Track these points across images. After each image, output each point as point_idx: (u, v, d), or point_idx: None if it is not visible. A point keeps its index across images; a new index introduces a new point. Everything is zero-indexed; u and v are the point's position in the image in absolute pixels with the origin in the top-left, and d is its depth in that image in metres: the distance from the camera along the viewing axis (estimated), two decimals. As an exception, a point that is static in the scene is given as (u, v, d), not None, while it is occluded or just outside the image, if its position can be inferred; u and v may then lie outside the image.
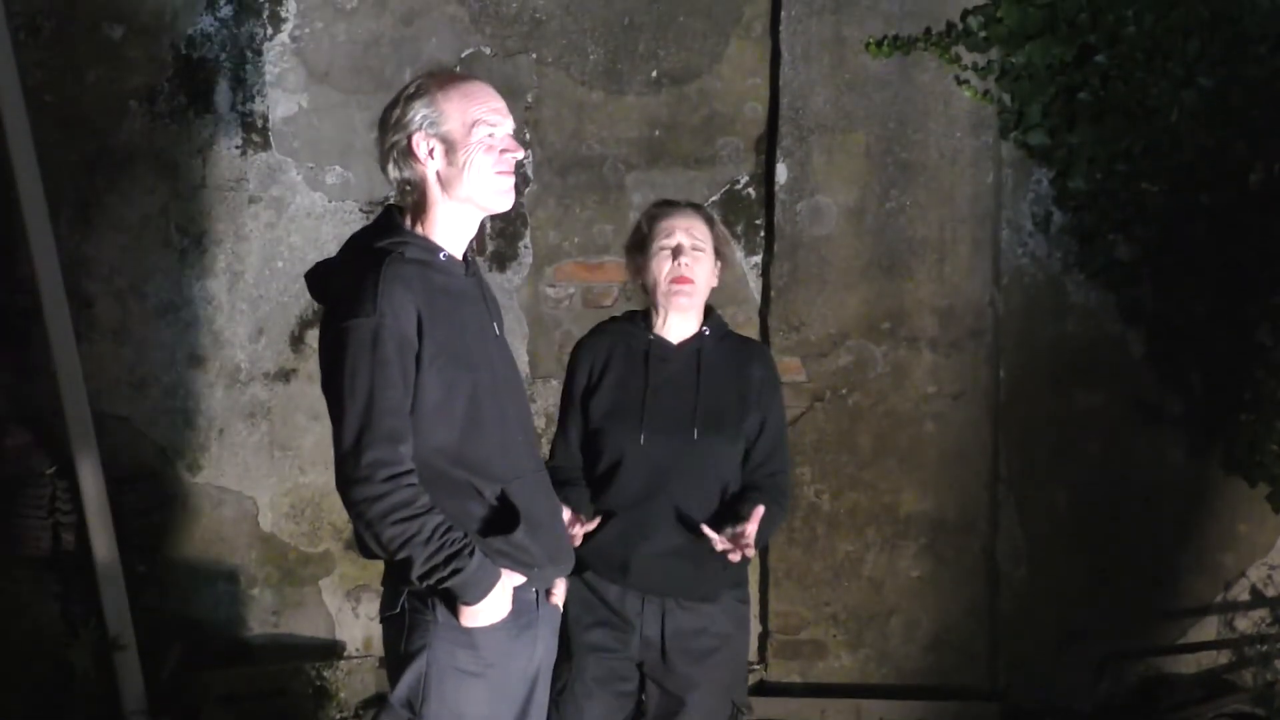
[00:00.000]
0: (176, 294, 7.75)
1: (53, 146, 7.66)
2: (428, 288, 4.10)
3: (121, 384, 7.76)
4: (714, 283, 5.19)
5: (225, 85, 7.73)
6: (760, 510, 4.92)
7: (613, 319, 5.34)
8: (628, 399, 5.08)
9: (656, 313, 5.17)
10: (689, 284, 5.08)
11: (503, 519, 4.15)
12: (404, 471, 4.02)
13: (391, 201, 4.31)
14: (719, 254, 5.18)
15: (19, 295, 7.66)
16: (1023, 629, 7.54)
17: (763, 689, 7.56)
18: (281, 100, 7.72)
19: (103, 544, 7.36)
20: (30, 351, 7.75)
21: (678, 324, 5.15)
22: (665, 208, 5.20)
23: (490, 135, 4.17)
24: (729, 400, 5.12)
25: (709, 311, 5.22)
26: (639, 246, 5.17)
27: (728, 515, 5.01)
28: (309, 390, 7.59)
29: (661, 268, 5.09)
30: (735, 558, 4.92)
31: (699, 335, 5.17)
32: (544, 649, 4.29)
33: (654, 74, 7.65)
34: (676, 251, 5.07)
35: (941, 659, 7.52)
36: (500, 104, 4.22)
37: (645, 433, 5.02)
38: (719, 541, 4.89)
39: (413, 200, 4.21)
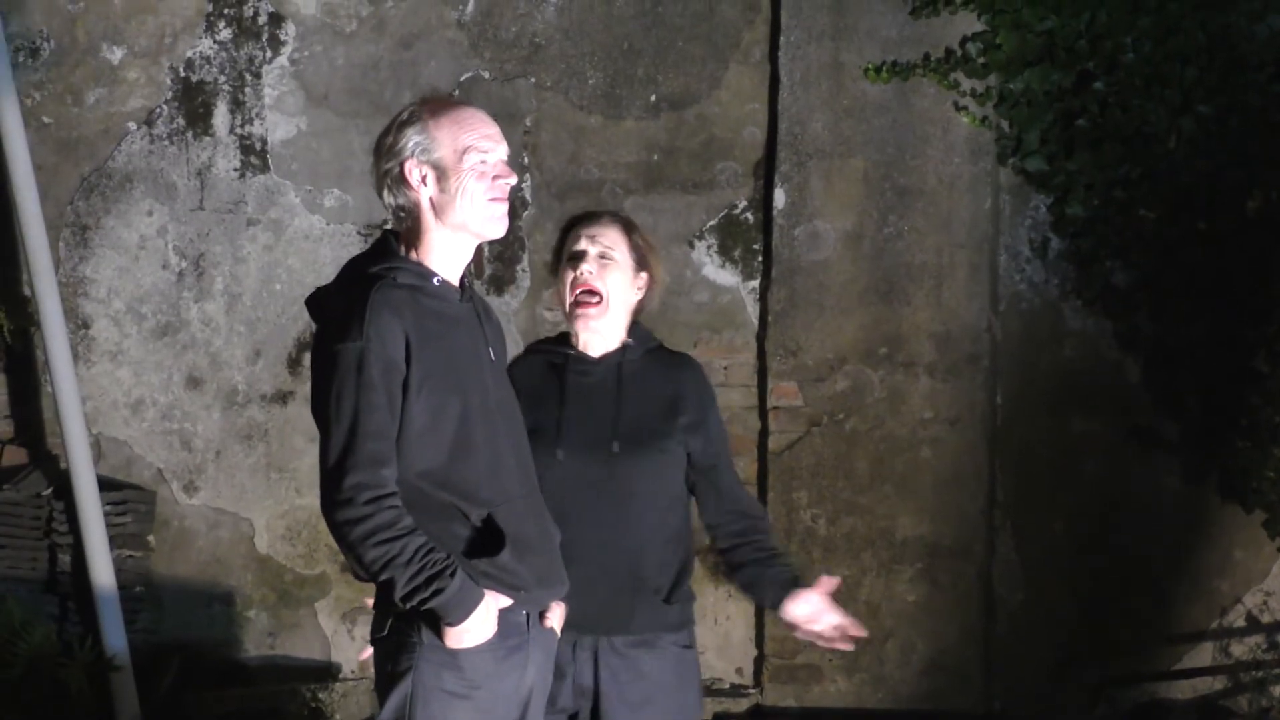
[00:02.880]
0: (174, 316, 7.75)
1: (52, 168, 7.68)
2: (418, 313, 4.11)
3: (119, 405, 7.76)
4: (635, 296, 4.73)
5: (224, 108, 7.74)
6: (832, 581, 4.70)
7: (538, 341, 4.97)
8: (544, 416, 4.65)
9: (575, 334, 4.74)
10: (594, 296, 4.65)
11: (488, 541, 4.15)
12: (386, 494, 4.03)
13: (389, 226, 4.32)
14: (643, 265, 4.72)
15: (17, 316, 7.68)
16: (1018, 654, 7.54)
17: (759, 713, 7.57)
18: (280, 123, 7.73)
19: (99, 565, 7.35)
20: (28, 372, 7.77)
21: (597, 341, 4.72)
22: (578, 219, 4.77)
23: (483, 162, 4.16)
24: (654, 411, 4.70)
25: (634, 324, 4.77)
26: (555, 265, 4.80)
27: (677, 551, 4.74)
28: (306, 412, 7.51)
29: (566, 278, 4.68)
30: (848, 645, 4.73)
31: (621, 348, 4.73)
32: (535, 672, 4.27)
33: (653, 98, 7.66)
34: (578, 257, 4.66)
35: (937, 683, 7.52)
36: (493, 130, 4.22)
37: (562, 449, 4.64)
38: (831, 640, 4.69)
39: (407, 226, 4.21)
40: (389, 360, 4.05)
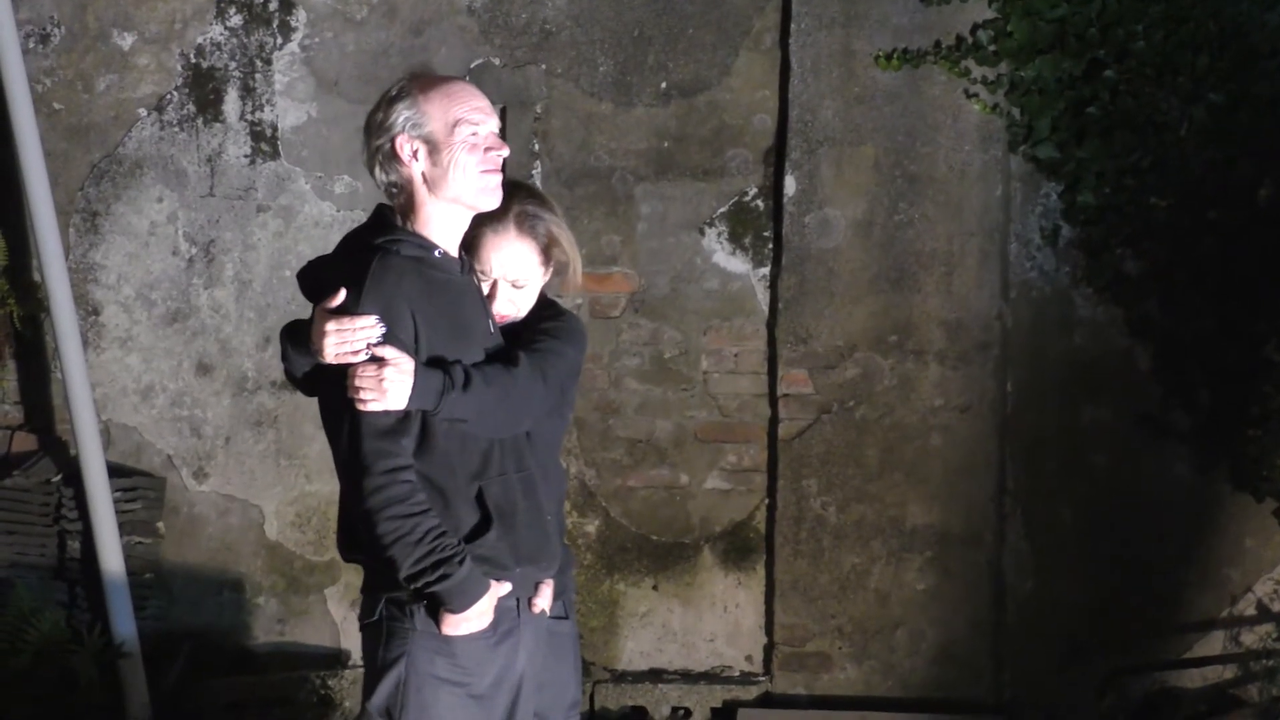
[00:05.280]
0: (184, 302, 7.76)
1: (62, 154, 7.69)
2: (424, 283, 4.12)
3: (129, 392, 7.77)
4: (542, 281, 4.50)
5: (234, 94, 7.74)
6: None
7: None
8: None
9: None
10: (504, 318, 4.41)
11: (479, 520, 4.15)
12: (402, 466, 4.05)
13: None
14: (547, 254, 4.44)
15: (27, 302, 7.68)
16: (1028, 642, 7.54)
17: (768, 701, 7.57)
18: (290, 109, 7.74)
19: (109, 552, 7.36)
20: (38, 359, 7.77)
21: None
22: (497, 227, 4.37)
23: (474, 134, 4.17)
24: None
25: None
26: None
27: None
28: (315, 400, 7.58)
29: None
30: None
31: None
32: (526, 658, 4.27)
33: (663, 86, 7.66)
34: (492, 292, 4.40)
35: (946, 672, 7.52)
36: (483, 103, 4.23)
37: None
38: None
39: (400, 202, 4.22)
40: (393, 331, 4.06)
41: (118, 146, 7.74)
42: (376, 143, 4.19)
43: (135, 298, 7.76)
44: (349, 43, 7.72)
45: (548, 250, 4.44)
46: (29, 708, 7.11)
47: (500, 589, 4.15)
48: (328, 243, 7.57)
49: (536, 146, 7.63)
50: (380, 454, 4.03)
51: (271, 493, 7.78)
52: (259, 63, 7.73)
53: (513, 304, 4.43)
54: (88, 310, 7.72)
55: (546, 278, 4.50)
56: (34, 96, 7.46)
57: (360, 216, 7.60)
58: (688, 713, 7.58)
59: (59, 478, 7.58)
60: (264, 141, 7.74)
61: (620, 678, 7.68)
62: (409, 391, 4.03)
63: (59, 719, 7.14)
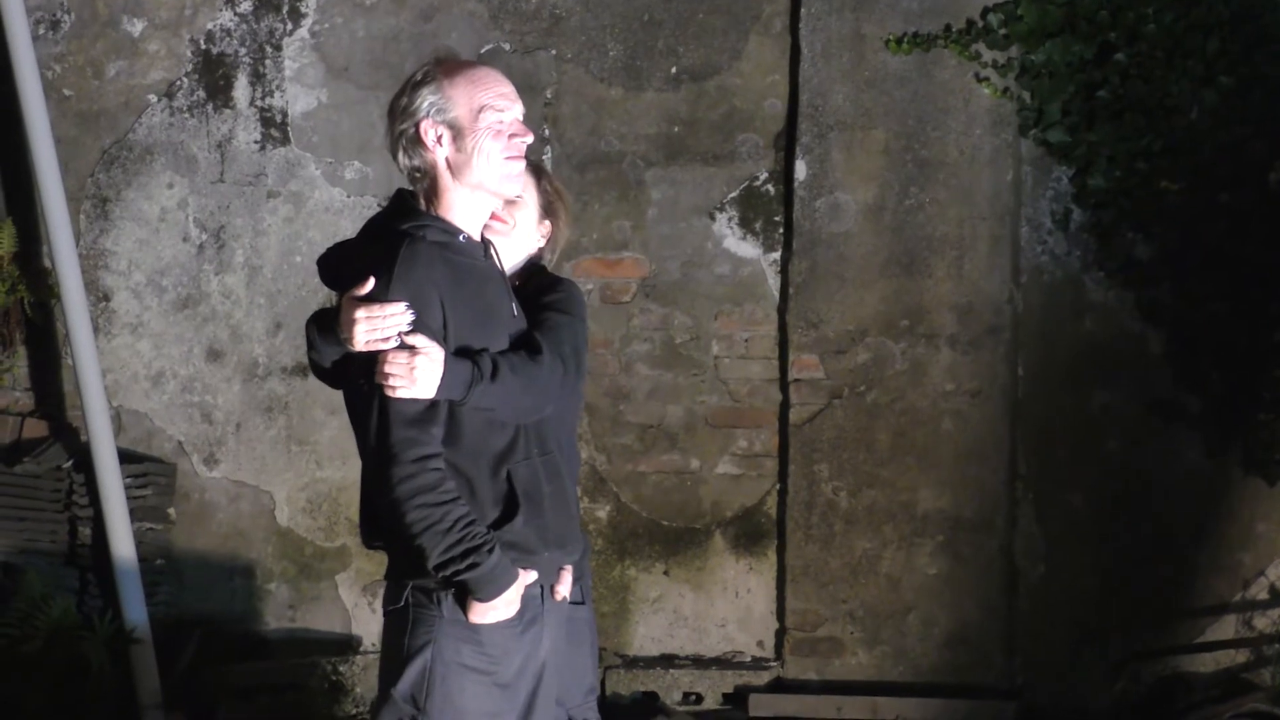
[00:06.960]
0: (194, 288, 7.76)
1: (72, 141, 7.70)
2: (450, 269, 4.10)
3: (139, 378, 7.77)
4: (537, 240, 4.56)
5: (244, 80, 7.74)
6: None
7: None
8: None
9: None
10: (500, 221, 4.40)
11: (505, 505, 4.15)
12: (432, 454, 4.03)
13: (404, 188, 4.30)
14: (548, 213, 4.53)
15: (38, 289, 7.69)
16: (1040, 627, 7.53)
17: (779, 686, 7.56)
18: (300, 95, 7.74)
19: (120, 538, 7.36)
20: (49, 345, 7.78)
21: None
22: None
23: (499, 120, 4.15)
24: None
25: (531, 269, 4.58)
26: None
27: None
28: (326, 386, 7.57)
29: None
30: None
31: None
32: (549, 645, 4.27)
33: (673, 70, 7.66)
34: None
35: (958, 657, 7.52)
36: (508, 89, 4.20)
37: None
38: None
39: (424, 187, 4.19)
40: (422, 318, 4.05)
41: (128, 133, 7.75)
42: (400, 127, 4.17)
43: (146, 284, 7.77)
44: (359, 28, 7.71)
45: (539, 172, 4.48)
46: (40, 694, 7.11)
47: (527, 577, 4.15)
48: (338, 228, 7.60)
49: (547, 132, 7.63)
50: (409, 443, 4.01)
51: (282, 479, 7.78)
52: (269, 48, 7.73)
53: (504, 220, 4.39)
54: (98, 296, 7.72)
55: (539, 207, 4.50)
56: (44, 83, 7.46)
57: (370, 202, 7.62)
58: (699, 698, 7.58)
59: (70, 464, 7.59)
60: (274, 127, 7.74)
61: (632, 663, 7.68)
62: (438, 381, 4.03)
63: (70, 705, 7.14)
